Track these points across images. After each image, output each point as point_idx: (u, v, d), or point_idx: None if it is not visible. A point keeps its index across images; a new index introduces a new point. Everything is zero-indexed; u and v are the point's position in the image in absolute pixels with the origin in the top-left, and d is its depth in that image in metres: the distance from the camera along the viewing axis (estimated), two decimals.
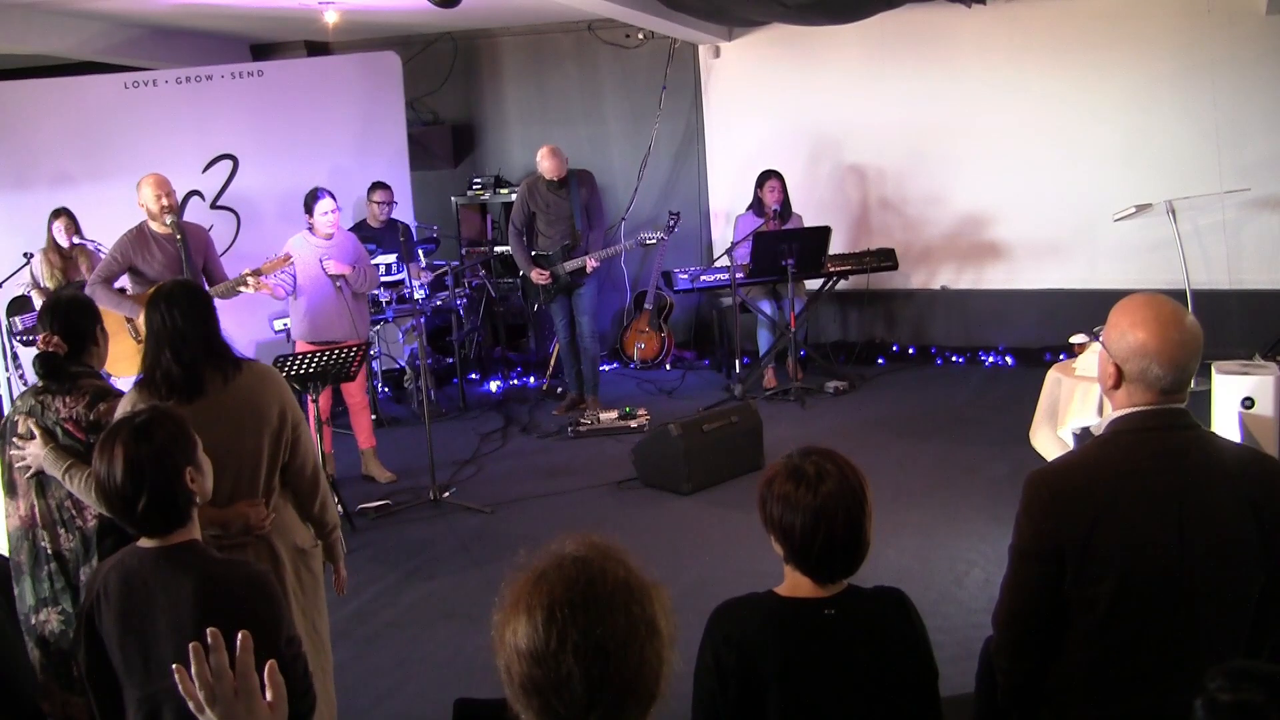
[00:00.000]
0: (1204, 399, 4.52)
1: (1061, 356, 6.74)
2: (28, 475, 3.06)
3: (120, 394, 2.97)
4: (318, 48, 9.13)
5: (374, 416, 6.57)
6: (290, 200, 6.57)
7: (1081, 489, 2.03)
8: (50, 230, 6.53)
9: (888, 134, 8.14)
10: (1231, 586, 1.99)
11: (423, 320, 6.46)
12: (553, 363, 7.86)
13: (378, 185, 7.44)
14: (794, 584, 2.01)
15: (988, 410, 6.77)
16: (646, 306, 8.38)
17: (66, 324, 3.09)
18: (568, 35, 8.95)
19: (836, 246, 7.78)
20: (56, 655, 3.07)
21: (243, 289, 5.32)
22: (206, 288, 4.55)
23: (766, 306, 7.62)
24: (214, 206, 7.65)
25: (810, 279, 7.61)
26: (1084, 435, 4.45)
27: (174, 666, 1.47)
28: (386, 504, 5.61)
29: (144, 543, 2.10)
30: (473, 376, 8.20)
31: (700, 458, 5.55)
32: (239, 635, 1.49)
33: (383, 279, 6.87)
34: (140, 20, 7.71)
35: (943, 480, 5.54)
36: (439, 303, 7.54)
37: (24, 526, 3.11)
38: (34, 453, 3.00)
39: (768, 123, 8.48)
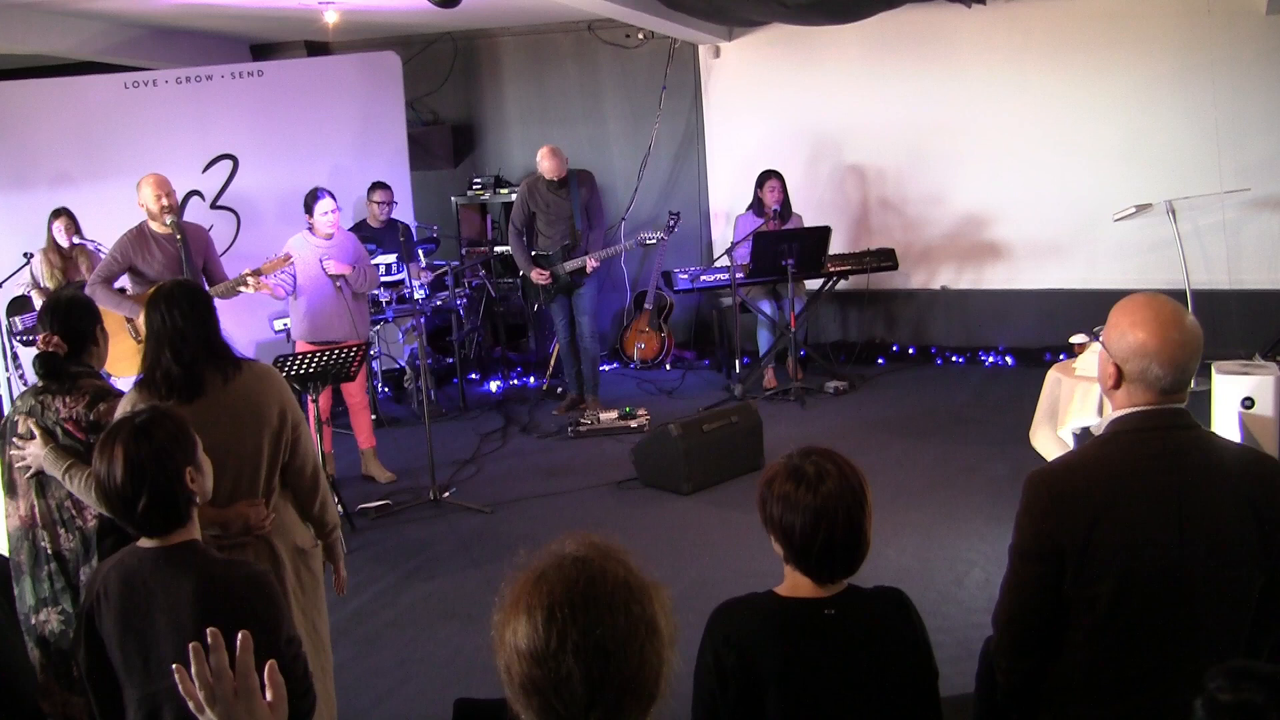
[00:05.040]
0: (1204, 399, 4.52)
1: (1061, 356, 6.74)
2: (28, 475, 3.06)
3: (120, 394, 2.97)
4: (318, 48, 9.13)
5: (374, 416, 6.57)
6: (290, 200, 6.57)
7: (1081, 489, 2.03)
8: (50, 230, 6.53)
9: (888, 134, 8.15)
10: (1231, 586, 1.99)
11: (423, 320, 6.46)
12: (553, 363, 7.85)
13: (378, 185, 7.44)
14: (794, 584, 2.01)
15: (988, 410, 6.77)
16: (646, 306, 8.38)
17: (66, 324, 3.09)
18: (568, 35, 8.95)
19: (836, 246, 7.78)
20: (56, 655, 3.06)
21: (243, 289, 5.32)
22: (206, 288, 4.55)
23: (766, 306, 7.62)
24: (214, 206, 7.65)
25: (810, 279, 7.61)
26: (1084, 435, 4.45)
27: (174, 666, 1.47)
28: (386, 504, 5.61)
29: (144, 543, 2.10)
30: (473, 376, 8.20)
31: (700, 458, 5.55)
32: (239, 635, 1.49)
33: (383, 279, 6.87)
34: (140, 20, 7.71)
35: (943, 480, 5.54)
36: (439, 303, 7.54)
37: (24, 526, 3.11)
38: (34, 453, 3.00)
39: (768, 123, 8.48)
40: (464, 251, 8.86)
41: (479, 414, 7.41)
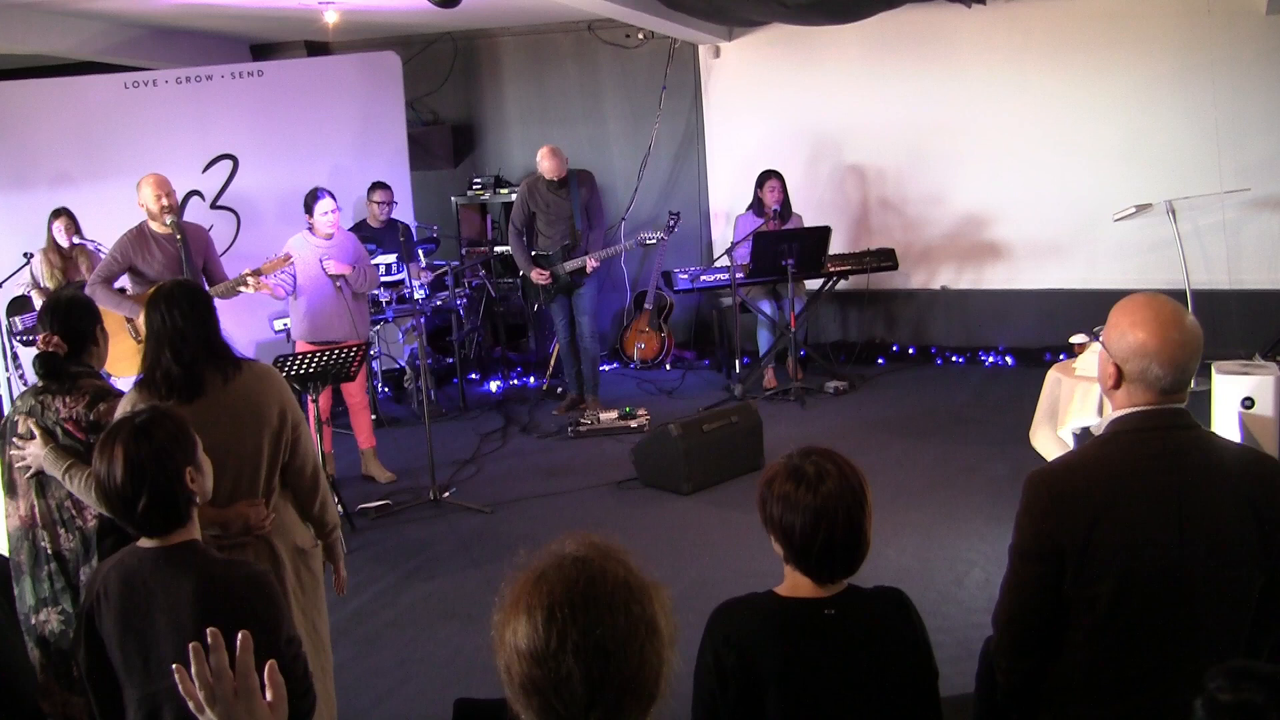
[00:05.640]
0: (1204, 399, 4.52)
1: (1061, 356, 6.74)
2: (28, 475, 3.06)
3: (120, 394, 2.97)
4: (318, 48, 9.13)
5: (374, 416, 6.57)
6: (290, 200, 6.57)
7: (1081, 489, 2.03)
8: (50, 230, 6.53)
9: (888, 134, 8.14)
10: (1231, 586, 1.99)
11: (423, 320, 6.46)
12: (553, 363, 7.85)
13: (378, 185, 7.44)
14: (794, 584, 2.01)
15: (988, 410, 6.76)
16: (646, 306, 8.38)
17: (66, 324, 3.09)
18: (568, 35, 8.95)
19: (836, 246, 7.78)
20: (56, 655, 3.06)
21: (243, 289, 5.32)
22: (206, 288, 4.55)
23: (766, 306, 7.62)
24: (214, 206, 7.65)
25: (810, 279, 7.61)
26: (1084, 435, 4.45)
27: (174, 666, 1.47)
28: (386, 504, 5.61)
29: (144, 543, 2.10)
30: (473, 376, 8.20)
31: (700, 458, 5.54)
32: (239, 635, 1.49)
33: (383, 279, 6.87)
34: (140, 20, 7.71)
35: (943, 480, 5.54)
36: (439, 303, 7.54)
37: (24, 526, 3.11)
38: (34, 453, 3.00)
39: (768, 123, 8.48)
40: (464, 251, 8.86)
41: (479, 414, 7.41)
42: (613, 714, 1.27)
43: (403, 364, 7.82)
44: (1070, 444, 4.52)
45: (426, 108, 9.37)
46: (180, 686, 1.45)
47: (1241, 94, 7.16)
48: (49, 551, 3.08)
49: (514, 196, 7.48)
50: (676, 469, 5.53)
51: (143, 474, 2.02)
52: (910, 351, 8.33)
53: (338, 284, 5.72)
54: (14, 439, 3.07)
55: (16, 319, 6.70)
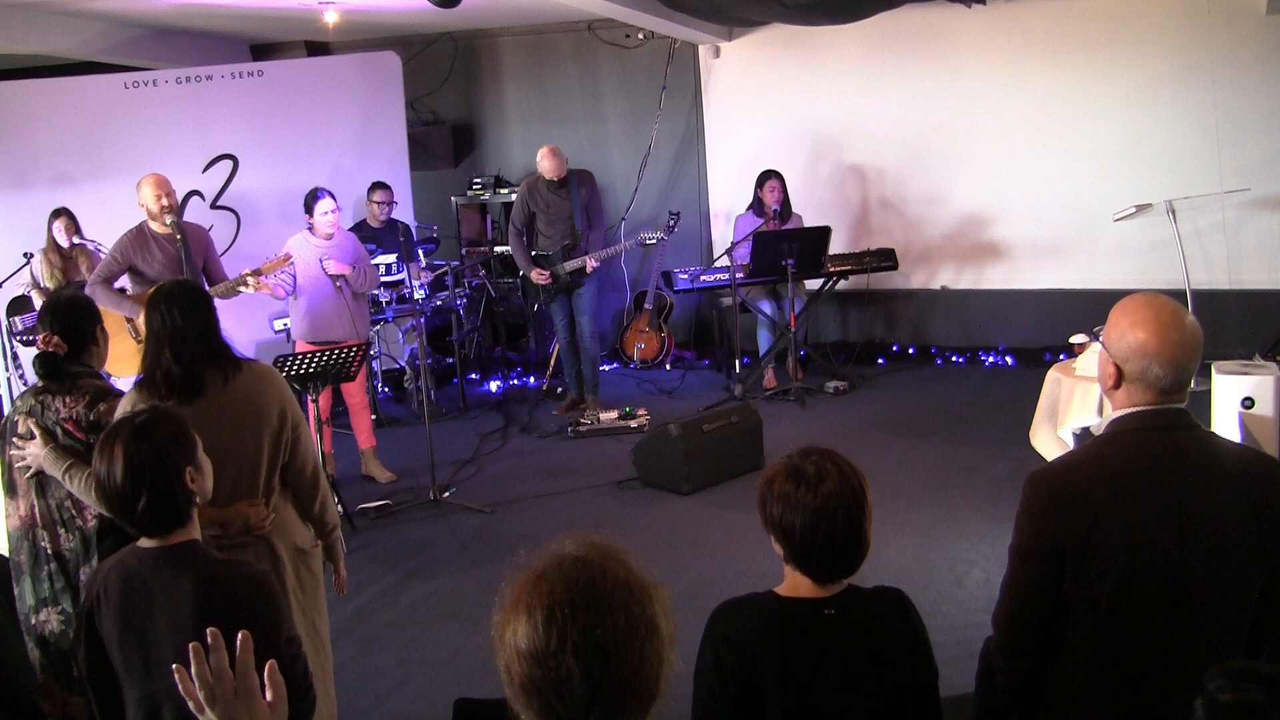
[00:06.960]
0: (1204, 399, 4.52)
1: (1061, 356, 6.74)
2: (28, 475, 3.06)
3: (120, 394, 2.97)
4: (318, 48, 9.14)
5: (374, 416, 6.57)
6: (290, 200, 6.57)
7: (1081, 489, 2.03)
8: (50, 230, 6.53)
9: (888, 134, 8.14)
10: (1231, 586, 1.99)
11: (423, 320, 6.47)
12: (553, 363, 7.86)
13: (378, 185, 7.44)
14: (794, 584, 2.01)
15: (988, 410, 6.77)
16: (646, 306, 8.38)
17: (66, 324, 3.09)
18: (568, 35, 8.95)
19: (836, 246, 7.78)
20: (56, 655, 3.06)
21: (243, 289, 5.32)
22: (206, 288, 4.55)
23: (766, 306, 7.62)
24: (214, 206, 7.65)
25: (810, 279, 7.62)
26: (1084, 435, 4.45)
27: (174, 666, 1.47)
28: (386, 504, 5.61)
29: (144, 543, 2.10)
30: (473, 376, 8.20)
31: (700, 458, 5.54)
32: (239, 635, 1.49)
33: (383, 279, 6.87)
34: (140, 20, 7.71)
35: (943, 480, 5.54)
36: (439, 303, 7.55)
37: (24, 526, 3.11)
38: (34, 453, 3.00)
39: (768, 123, 8.48)
40: (464, 251, 8.86)
41: (479, 414, 7.41)
42: (613, 714, 1.27)
43: (403, 364, 7.82)
44: (1070, 444, 4.52)
45: (426, 108, 9.37)
46: (180, 686, 1.45)
47: (1241, 94, 7.16)
48: (49, 551, 3.08)
49: (514, 196, 7.48)
50: (676, 469, 5.53)
51: (143, 474, 2.02)
52: (910, 351, 8.33)
53: (338, 284, 5.72)
54: (14, 439, 3.07)
55: (16, 319, 6.70)
